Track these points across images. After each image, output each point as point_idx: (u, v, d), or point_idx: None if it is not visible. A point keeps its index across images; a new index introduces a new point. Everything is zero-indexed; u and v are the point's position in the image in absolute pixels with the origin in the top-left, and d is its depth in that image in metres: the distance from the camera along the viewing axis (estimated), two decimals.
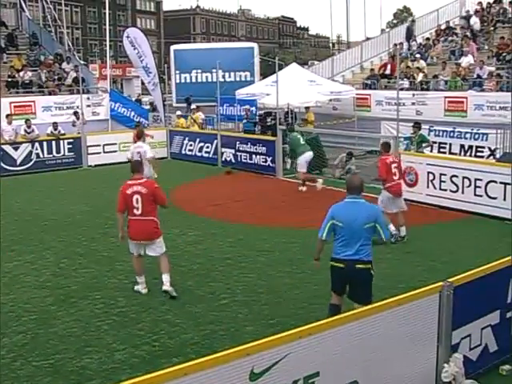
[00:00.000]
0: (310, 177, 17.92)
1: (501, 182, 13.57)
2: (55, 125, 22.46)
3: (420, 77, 25.12)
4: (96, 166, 21.88)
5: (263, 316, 8.63)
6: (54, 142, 22.03)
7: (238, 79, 33.80)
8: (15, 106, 24.40)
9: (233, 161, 21.44)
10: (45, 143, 21.88)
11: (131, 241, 9.64)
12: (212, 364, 4.59)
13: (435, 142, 20.46)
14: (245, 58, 34.17)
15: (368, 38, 38.48)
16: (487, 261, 6.99)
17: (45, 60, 28.43)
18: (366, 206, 7.50)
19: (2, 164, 20.82)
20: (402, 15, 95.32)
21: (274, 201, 16.31)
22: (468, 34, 27.31)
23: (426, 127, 20.22)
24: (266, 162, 19.65)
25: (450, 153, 20.61)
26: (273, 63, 21.89)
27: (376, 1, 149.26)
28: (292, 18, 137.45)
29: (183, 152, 23.65)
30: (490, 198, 13.79)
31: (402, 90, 21.37)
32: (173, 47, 37.60)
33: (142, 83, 32.52)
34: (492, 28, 27.25)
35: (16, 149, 21.32)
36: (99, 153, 22.41)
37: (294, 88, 22.99)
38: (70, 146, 22.16)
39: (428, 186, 15.13)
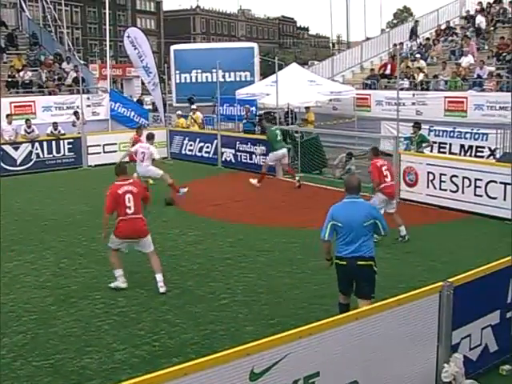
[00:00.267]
0: (264, 173, 18.12)
1: (501, 182, 13.57)
2: (55, 125, 22.46)
3: (420, 77, 25.12)
4: (96, 166, 21.85)
5: (263, 316, 8.64)
6: (54, 142, 22.04)
7: (238, 79, 33.84)
8: (15, 106, 24.40)
9: (233, 161, 21.45)
10: (45, 143, 21.88)
11: (117, 238, 9.74)
12: (212, 364, 4.59)
13: (435, 142, 20.47)
14: (245, 58, 34.20)
15: (368, 38, 38.49)
16: (487, 261, 7.00)
17: (45, 60, 28.42)
18: (364, 205, 7.73)
19: (2, 164, 20.81)
20: (402, 15, 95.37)
21: (273, 201, 16.31)
22: (468, 33, 27.31)
23: (426, 127, 20.23)
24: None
25: (450, 153, 20.63)
26: (273, 63, 21.92)
27: (376, 1, 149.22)
28: (292, 18, 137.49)
29: (183, 152, 23.64)
30: (490, 198, 13.79)
31: (402, 90, 21.37)
32: (173, 47, 37.64)
33: (142, 83, 32.52)
34: (492, 28, 27.25)
35: (16, 149, 21.32)
36: (99, 153, 22.40)
37: (294, 88, 23.01)
38: (70, 146, 22.17)
39: (428, 186, 15.14)
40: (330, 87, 25.34)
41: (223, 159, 21.86)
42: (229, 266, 10.89)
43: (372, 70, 28.81)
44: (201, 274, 10.49)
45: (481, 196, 13.99)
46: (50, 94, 26.38)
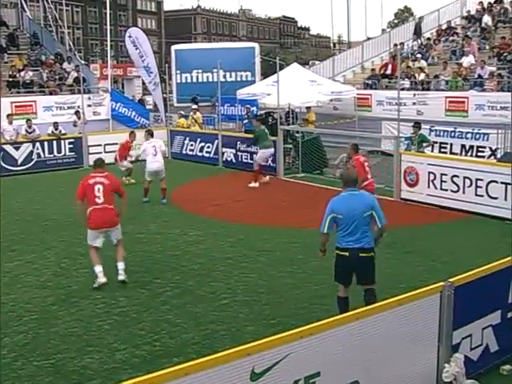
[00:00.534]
0: (258, 171, 18.47)
1: (502, 182, 13.55)
2: (56, 125, 22.49)
3: (421, 77, 25.12)
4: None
5: (264, 316, 8.64)
6: (54, 142, 22.07)
7: (238, 79, 33.84)
8: (16, 106, 24.43)
9: (233, 161, 21.46)
10: (46, 143, 21.91)
11: (92, 230, 10.10)
12: (213, 364, 4.59)
13: (436, 142, 20.47)
14: (246, 57, 34.20)
15: (369, 38, 38.45)
16: (488, 261, 7.00)
17: (46, 60, 28.45)
18: (363, 196, 7.91)
19: (3, 164, 20.84)
20: (403, 15, 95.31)
21: (274, 201, 16.32)
22: (469, 33, 27.33)
23: (426, 127, 20.24)
24: (266, 161, 19.62)
25: (451, 153, 20.64)
26: (274, 63, 21.90)
27: (377, 1, 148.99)
28: (293, 18, 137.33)
29: (184, 152, 23.66)
30: (491, 198, 13.79)
31: (402, 89, 21.39)
32: (174, 47, 37.64)
33: (143, 83, 32.52)
34: (493, 28, 27.24)
35: (17, 149, 21.34)
36: (100, 153, 22.29)
37: (295, 88, 23.00)
38: (71, 146, 22.19)
39: (429, 186, 15.13)
40: (330, 87, 25.34)
41: (224, 159, 21.86)
42: (229, 266, 10.89)
43: (373, 69, 28.81)
44: (201, 274, 10.49)
45: (482, 196, 13.98)
46: (50, 93, 26.41)
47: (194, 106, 26.92)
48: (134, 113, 27.28)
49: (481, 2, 29.70)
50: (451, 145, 21.10)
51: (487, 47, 26.26)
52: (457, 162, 15.36)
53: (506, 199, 13.43)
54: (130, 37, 26.35)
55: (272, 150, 18.87)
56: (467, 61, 24.67)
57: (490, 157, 19.48)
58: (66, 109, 25.51)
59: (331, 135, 21.76)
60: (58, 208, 15.62)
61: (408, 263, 10.87)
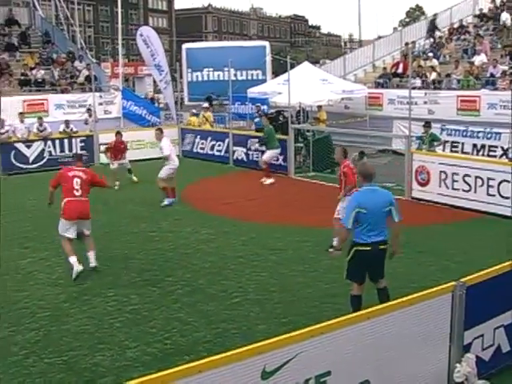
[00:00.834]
0: (268, 169, 18.65)
1: None
2: (67, 123, 22.58)
3: (432, 76, 25.05)
4: (108, 163, 21.90)
5: (275, 315, 8.64)
6: (66, 140, 22.16)
7: (249, 78, 33.75)
8: (28, 104, 24.50)
9: (244, 159, 21.47)
10: (57, 141, 22.01)
11: (66, 221, 10.56)
12: (225, 362, 4.60)
13: (447, 141, 20.41)
14: (257, 56, 34.12)
15: (380, 37, 38.40)
16: (500, 261, 6.97)
17: (57, 58, 28.54)
18: (382, 192, 7.94)
19: (15, 162, 20.97)
20: (415, 14, 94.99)
21: (286, 199, 16.32)
22: (481, 32, 27.21)
23: (438, 126, 20.17)
24: (277, 160, 19.63)
25: (463, 152, 20.57)
26: (284, 62, 21.87)
27: None
28: (304, 17, 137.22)
29: (195, 150, 23.69)
30: (503, 197, 13.72)
31: (414, 88, 21.31)
32: (185, 45, 37.59)
33: (154, 81, 32.54)
34: (510, 26, 27.11)
35: (28, 146, 21.46)
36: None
37: (306, 87, 22.97)
38: (83, 144, 22.25)
39: (440, 186, 15.08)
40: (341, 86, 25.31)
41: (235, 158, 21.87)
42: (241, 265, 10.89)
43: (384, 68, 28.77)
44: (213, 273, 10.50)
45: (493, 196, 13.93)
46: (62, 92, 26.48)
47: (205, 105, 26.93)
48: (144, 111, 27.34)
49: (493, 1, 29.58)
50: (463, 144, 21.03)
51: (499, 46, 26.14)
52: (468, 161, 15.28)
53: None
54: (141, 35, 26.40)
55: (279, 149, 19.03)
56: (479, 59, 24.59)
57: (501, 156, 19.40)
58: (78, 107, 25.56)
59: (342, 134, 21.72)
60: None
61: (420, 263, 10.83)
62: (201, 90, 33.00)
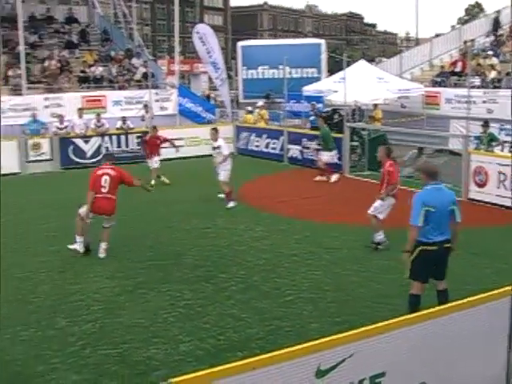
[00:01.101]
0: (327, 169, 18.74)
1: None
2: (124, 119, 22.92)
3: (492, 74, 24.55)
4: (163, 160, 22.11)
5: (329, 313, 8.59)
6: (122, 136, 22.50)
7: (304, 75, 33.68)
8: (87, 101, 24.96)
9: (299, 157, 21.42)
10: (114, 137, 22.37)
11: (92, 213, 11.20)
12: (280, 359, 4.55)
13: (506, 142, 19.96)
14: (312, 54, 34.05)
15: (438, 35, 37.79)
16: None
17: (115, 55, 28.96)
18: (446, 191, 7.89)
19: (73, 156, 21.43)
20: (474, 11, 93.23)
21: (341, 198, 16.22)
22: None
23: (496, 126, 19.76)
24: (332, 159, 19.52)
25: None
26: (340, 60, 21.75)
27: None
28: (359, 14, 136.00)
29: (250, 148, 23.76)
30: None
31: (472, 87, 20.93)
32: (240, 43, 37.74)
33: (210, 79, 32.71)
34: None
35: (86, 142, 21.89)
36: (166, 147, 22.63)
37: (362, 85, 22.80)
38: (139, 141, 22.53)
39: (498, 187, 14.76)
40: (398, 84, 25.06)
41: (289, 156, 21.84)
42: (295, 263, 10.86)
43: (442, 67, 28.33)
44: (266, 270, 10.50)
45: None
46: (119, 88, 26.88)
47: (260, 103, 26.96)
48: (200, 108, 27.54)
49: None
50: None
51: None
52: None
53: None
54: (197, 33, 26.61)
55: (336, 151, 19.11)
56: None
57: None
58: (135, 103, 25.88)
59: (398, 133, 21.46)
60: (125, 200, 15.79)
61: (474, 264, 10.62)
62: (256, 87, 33.09)
